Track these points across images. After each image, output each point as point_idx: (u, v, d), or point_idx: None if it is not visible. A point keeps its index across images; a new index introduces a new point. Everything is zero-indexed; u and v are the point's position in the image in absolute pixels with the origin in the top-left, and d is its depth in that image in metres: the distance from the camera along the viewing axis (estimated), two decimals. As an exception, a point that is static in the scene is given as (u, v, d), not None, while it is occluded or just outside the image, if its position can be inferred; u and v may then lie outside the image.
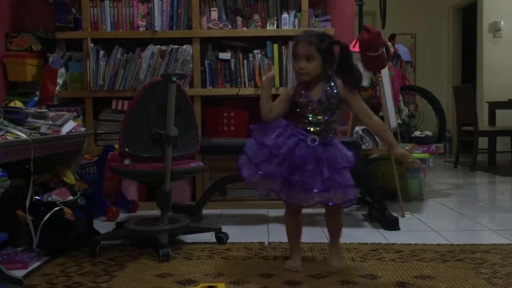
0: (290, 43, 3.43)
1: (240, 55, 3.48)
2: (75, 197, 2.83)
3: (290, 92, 2.04)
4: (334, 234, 2.13)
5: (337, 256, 2.11)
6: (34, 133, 2.44)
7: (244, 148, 1.98)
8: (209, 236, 2.58)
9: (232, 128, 3.48)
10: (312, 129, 1.97)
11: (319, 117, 1.97)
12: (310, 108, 1.98)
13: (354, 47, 3.19)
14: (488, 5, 6.84)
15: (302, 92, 2.00)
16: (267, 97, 2.04)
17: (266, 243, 2.48)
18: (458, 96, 5.72)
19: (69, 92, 3.47)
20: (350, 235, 2.64)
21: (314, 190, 1.89)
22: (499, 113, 5.98)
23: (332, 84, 2.00)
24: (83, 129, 3.07)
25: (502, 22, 6.80)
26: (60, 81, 3.42)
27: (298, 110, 2.01)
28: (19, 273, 2.03)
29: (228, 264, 2.16)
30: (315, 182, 1.89)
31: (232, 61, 3.48)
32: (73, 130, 2.87)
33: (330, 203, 1.95)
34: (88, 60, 3.39)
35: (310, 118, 1.98)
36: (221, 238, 2.49)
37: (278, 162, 1.91)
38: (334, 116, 2.01)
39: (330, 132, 2.01)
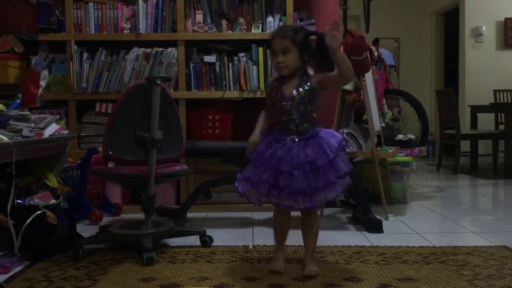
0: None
1: (225, 58, 3.49)
2: (58, 201, 2.80)
3: (269, 88, 2.07)
4: (310, 238, 2.10)
5: (313, 261, 2.08)
6: (16, 136, 2.41)
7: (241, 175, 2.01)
8: (194, 240, 2.57)
9: (217, 131, 3.48)
10: (288, 128, 1.97)
11: (293, 113, 1.98)
12: (283, 104, 1.98)
13: (338, 51, 3.21)
14: (470, 11, 6.95)
15: (277, 88, 2.02)
16: (262, 125, 2.08)
17: (250, 246, 2.48)
18: (441, 99, 5.80)
19: (52, 94, 3.44)
20: (334, 238, 2.65)
21: (300, 194, 1.90)
22: (481, 116, 6.08)
23: (306, 77, 2.01)
24: (66, 132, 3.04)
25: (483, 27, 6.92)
26: (43, 83, 3.39)
27: (274, 107, 2.02)
28: (0, 278, 2.00)
29: (213, 267, 2.15)
30: (300, 185, 1.89)
31: (217, 64, 3.48)
32: (56, 133, 2.84)
33: (312, 206, 1.96)
34: (71, 62, 3.37)
35: (284, 117, 1.98)
36: (206, 241, 2.49)
37: (262, 170, 1.93)
38: (309, 108, 2.00)
39: (309, 124, 2.00)
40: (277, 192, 1.93)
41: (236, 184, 2.02)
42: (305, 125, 1.99)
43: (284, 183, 1.90)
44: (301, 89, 1.99)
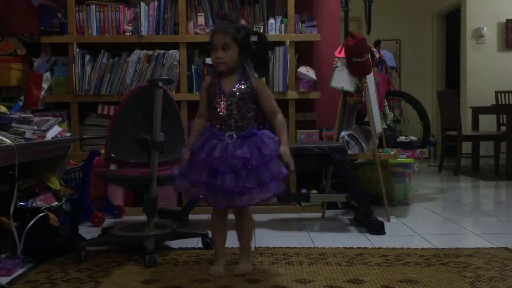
0: (277, 49, 3.45)
1: (227, 60, 3.49)
2: (60, 203, 2.81)
3: (206, 85, 2.06)
4: (244, 238, 2.12)
5: (247, 260, 2.11)
6: (18, 138, 2.42)
7: (177, 169, 2.03)
8: (196, 242, 2.57)
9: (219, 133, 3.48)
10: (227, 124, 1.97)
11: (232, 108, 1.98)
12: (222, 100, 1.98)
13: (340, 53, 3.22)
14: (471, 12, 6.95)
15: (217, 84, 2.02)
16: (197, 135, 2.05)
17: (252, 248, 2.48)
18: (442, 101, 5.80)
19: (54, 96, 3.44)
20: (336, 240, 2.66)
21: (235, 193, 1.90)
22: (482, 118, 6.07)
23: (246, 76, 2.02)
24: (68, 134, 3.05)
25: (485, 29, 6.91)
26: (45, 85, 3.40)
27: (212, 104, 2.01)
28: (3, 280, 2.01)
29: (208, 270, 2.15)
30: (236, 184, 1.90)
31: (219, 66, 3.48)
32: (58, 135, 2.85)
33: (248, 205, 1.97)
34: (73, 65, 3.38)
35: (222, 113, 1.98)
36: (208, 243, 2.49)
37: (198, 168, 1.94)
38: (248, 105, 2.00)
39: (248, 122, 2.00)
40: (213, 194, 1.94)
41: (176, 180, 2.02)
42: (244, 122, 1.99)
43: (218, 183, 1.89)
44: (241, 86, 2.00)
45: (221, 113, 1.99)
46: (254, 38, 2.05)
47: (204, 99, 2.07)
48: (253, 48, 2.03)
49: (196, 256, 2.35)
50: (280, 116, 2.04)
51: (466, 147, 5.87)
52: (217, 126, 1.99)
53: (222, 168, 1.90)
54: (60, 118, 3.11)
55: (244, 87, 2.00)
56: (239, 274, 2.05)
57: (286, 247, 2.48)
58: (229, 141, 1.95)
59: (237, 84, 2.00)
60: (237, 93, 1.99)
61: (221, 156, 1.92)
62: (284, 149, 1.96)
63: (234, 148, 1.93)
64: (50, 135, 2.75)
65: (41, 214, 2.36)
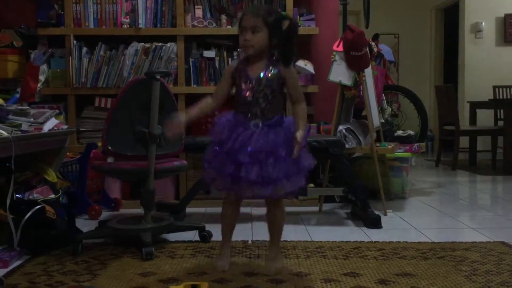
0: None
1: (225, 53, 3.48)
2: (57, 195, 2.80)
3: (232, 69, 1.97)
4: (275, 231, 2.04)
5: (278, 258, 2.05)
6: (15, 130, 2.41)
7: (204, 157, 1.95)
8: (193, 235, 2.57)
9: (216, 126, 3.47)
10: (253, 112, 1.89)
11: (259, 96, 1.89)
12: (248, 87, 1.90)
13: (338, 47, 3.21)
14: (470, 7, 6.94)
15: (243, 70, 1.93)
16: (194, 116, 1.98)
17: (249, 242, 2.49)
18: (440, 95, 5.80)
19: (51, 89, 3.43)
20: (333, 233, 2.66)
21: (260, 184, 1.83)
22: (480, 112, 6.08)
23: (274, 62, 1.92)
24: (65, 126, 3.04)
25: (483, 23, 6.91)
26: (42, 78, 3.38)
27: (238, 90, 1.94)
28: (-1, 272, 2.01)
29: (212, 262, 2.15)
30: (260, 175, 1.82)
31: (217, 59, 3.47)
32: (55, 128, 2.84)
33: (273, 196, 1.88)
34: (70, 57, 3.36)
35: (248, 100, 1.89)
36: (205, 236, 2.49)
37: (223, 158, 1.86)
38: (276, 93, 1.91)
39: (275, 110, 1.91)
40: (237, 184, 1.86)
41: (203, 169, 1.95)
42: (271, 110, 1.90)
43: (243, 173, 1.82)
44: (268, 72, 1.91)
45: (248, 99, 1.90)
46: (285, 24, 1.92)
47: (226, 82, 1.98)
48: (283, 34, 1.91)
49: (193, 249, 2.35)
50: (303, 106, 1.93)
51: (464, 141, 5.88)
52: (242, 113, 1.90)
53: (247, 159, 1.81)
54: (57, 111, 3.10)
55: (272, 73, 1.91)
56: (271, 274, 1.96)
57: (283, 241, 2.48)
58: (255, 129, 1.87)
59: (264, 70, 1.91)
60: (264, 80, 1.90)
61: (245, 145, 1.83)
62: (298, 133, 1.86)
63: (259, 137, 1.85)
64: (47, 127, 2.74)
65: (38, 207, 2.36)
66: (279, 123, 1.91)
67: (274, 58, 1.94)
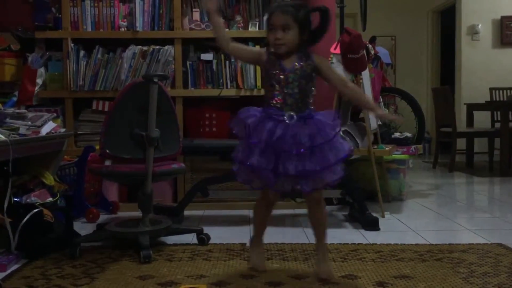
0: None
1: (222, 56, 3.48)
2: (55, 199, 2.80)
3: (263, 57, 1.93)
4: (320, 230, 2.00)
5: (326, 260, 2.00)
6: (13, 134, 2.41)
7: (233, 154, 1.89)
8: (191, 238, 2.57)
9: (214, 129, 3.48)
10: (287, 103, 1.86)
11: (293, 87, 1.86)
12: (283, 77, 1.87)
13: (335, 49, 3.22)
14: (466, 9, 6.97)
15: (275, 60, 1.89)
16: (217, 24, 1.96)
17: (247, 244, 2.49)
18: (437, 97, 5.81)
19: (49, 92, 3.43)
20: (331, 236, 2.65)
21: (299, 178, 1.80)
22: (477, 114, 6.10)
23: (306, 53, 1.91)
24: (63, 130, 3.04)
25: (479, 25, 6.93)
26: (39, 81, 3.39)
27: (271, 81, 1.89)
28: (-3, 276, 2.01)
29: (210, 265, 2.16)
30: (299, 167, 1.79)
31: (214, 62, 3.48)
32: (53, 131, 2.84)
33: (312, 189, 1.84)
34: (68, 60, 3.36)
35: (284, 90, 1.86)
36: (203, 239, 2.49)
37: (261, 150, 1.80)
38: (310, 85, 1.91)
39: (307, 104, 1.90)
40: (275, 179, 1.82)
41: (235, 171, 1.89)
42: (305, 102, 1.88)
43: (283, 166, 1.78)
44: (302, 63, 1.88)
45: (283, 90, 1.86)
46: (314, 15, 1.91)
47: (253, 55, 1.99)
48: (313, 27, 1.90)
49: (191, 252, 2.35)
50: (351, 84, 1.91)
51: (461, 143, 5.90)
52: (275, 105, 1.86)
53: (286, 151, 1.78)
54: (55, 114, 3.10)
55: (306, 64, 1.89)
56: (322, 279, 1.92)
57: (281, 243, 2.49)
58: (288, 121, 1.83)
59: (298, 62, 1.88)
60: (299, 71, 1.87)
61: (283, 136, 1.79)
62: (379, 111, 1.90)
63: (295, 129, 1.81)
64: (44, 130, 2.74)
65: (36, 210, 2.36)
66: (311, 115, 1.89)
67: (305, 49, 1.91)
